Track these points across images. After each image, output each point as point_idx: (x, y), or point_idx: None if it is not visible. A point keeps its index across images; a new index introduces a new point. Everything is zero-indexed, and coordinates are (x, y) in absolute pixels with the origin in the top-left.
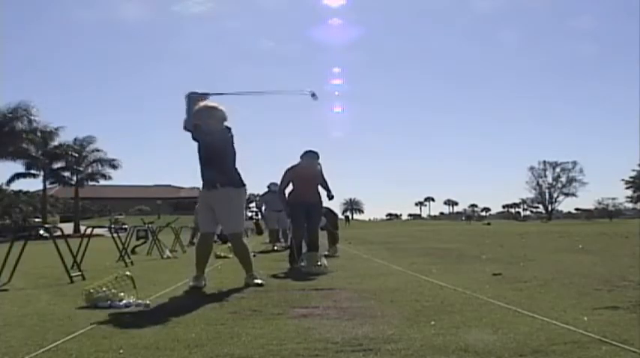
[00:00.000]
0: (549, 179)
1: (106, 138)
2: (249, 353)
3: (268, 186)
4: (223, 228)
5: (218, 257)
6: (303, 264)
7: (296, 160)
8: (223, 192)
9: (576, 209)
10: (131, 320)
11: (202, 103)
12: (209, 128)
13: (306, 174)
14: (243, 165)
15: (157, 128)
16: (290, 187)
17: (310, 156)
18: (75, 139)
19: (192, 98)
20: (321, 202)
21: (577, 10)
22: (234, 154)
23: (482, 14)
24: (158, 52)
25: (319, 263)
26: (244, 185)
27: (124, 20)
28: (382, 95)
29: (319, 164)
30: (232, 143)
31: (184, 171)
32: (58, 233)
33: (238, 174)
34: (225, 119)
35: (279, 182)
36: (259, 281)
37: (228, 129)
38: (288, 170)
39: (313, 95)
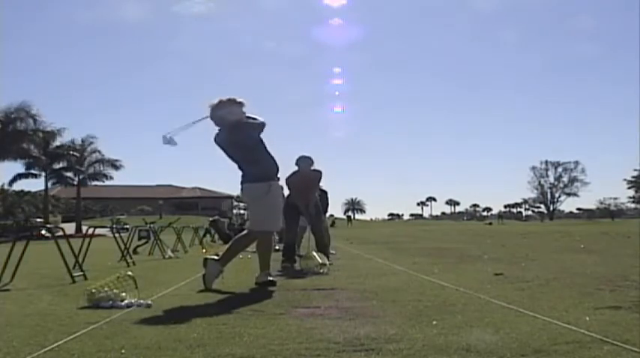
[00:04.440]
0: (551, 179)
1: (107, 138)
2: (250, 353)
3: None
4: (250, 225)
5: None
6: (296, 265)
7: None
8: (245, 189)
9: (578, 209)
10: (133, 320)
11: (209, 105)
12: (222, 130)
13: (305, 178)
14: None
15: (158, 128)
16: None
17: (304, 161)
18: (72, 140)
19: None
20: (325, 198)
21: (577, 10)
22: (256, 145)
23: (483, 14)
24: (158, 52)
25: (321, 262)
26: (269, 179)
27: (124, 20)
28: (383, 95)
29: (320, 171)
30: (250, 134)
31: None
32: (60, 233)
33: (262, 167)
34: (231, 114)
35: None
36: (271, 278)
37: (245, 121)
38: (288, 178)
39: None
